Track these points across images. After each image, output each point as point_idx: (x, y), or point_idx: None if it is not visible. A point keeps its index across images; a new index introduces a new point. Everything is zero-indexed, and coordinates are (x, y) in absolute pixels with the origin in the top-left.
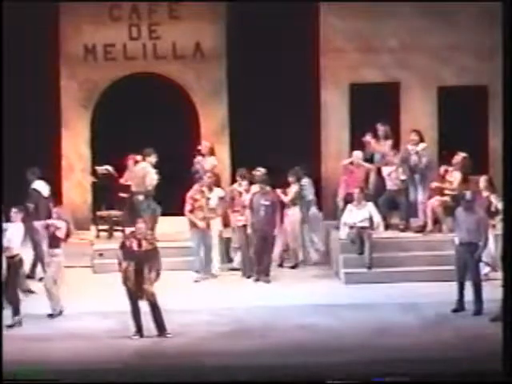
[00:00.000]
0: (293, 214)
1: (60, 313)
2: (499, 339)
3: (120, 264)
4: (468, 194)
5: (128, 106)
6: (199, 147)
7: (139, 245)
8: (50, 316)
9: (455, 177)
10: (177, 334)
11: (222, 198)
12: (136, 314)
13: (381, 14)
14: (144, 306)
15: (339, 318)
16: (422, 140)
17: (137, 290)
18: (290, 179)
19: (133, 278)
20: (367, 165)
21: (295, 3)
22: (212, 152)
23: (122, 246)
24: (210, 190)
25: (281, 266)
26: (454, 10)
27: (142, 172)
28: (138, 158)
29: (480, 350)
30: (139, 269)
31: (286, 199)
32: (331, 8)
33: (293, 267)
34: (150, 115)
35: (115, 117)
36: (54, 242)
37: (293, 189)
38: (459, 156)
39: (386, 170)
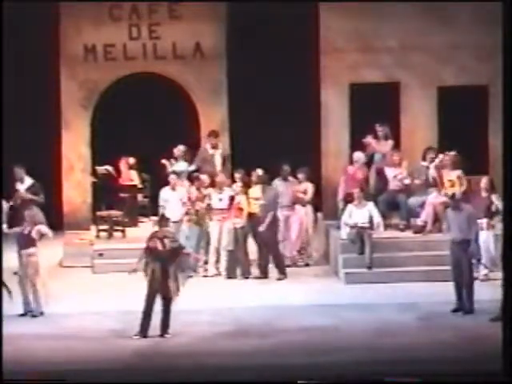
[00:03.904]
0: (307, 213)
1: (41, 313)
2: (499, 339)
3: (146, 267)
4: (457, 193)
5: (128, 106)
6: (175, 150)
7: (163, 244)
8: (30, 315)
9: (457, 174)
10: (177, 333)
11: (233, 198)
12: (148, 314)
13: (381, 14)
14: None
15: (339, 318)
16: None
17: (163, 288)
18: (300, 176)
19: (160, 278)
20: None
21: (295, 3)
22: (183, 156)
23: (147, 248)
24: (221, 190)
25: (294, 265)
26: (453, 9)
27: None
28: (131, 160)
29: (480, 350)
30: (165, 268)
31: (306, 197)
32: (331, 8)
33: (306, 264)
34: (150, 115)
35: (115, 117)
36: (29, 241)
37: (309, 187)
38: (450, 154)
39: (390, 172)
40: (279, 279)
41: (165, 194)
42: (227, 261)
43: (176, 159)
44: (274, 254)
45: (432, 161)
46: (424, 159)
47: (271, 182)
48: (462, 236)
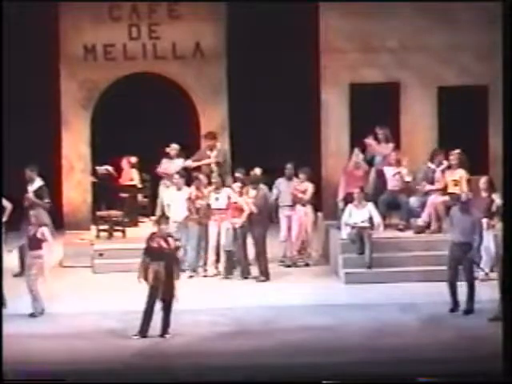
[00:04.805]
0: (307, 213)
1: (42, 312)
2: (499, 339)
3: (146, 268)
4: (463, 195)
5: (128, 106)
6: (167, 149)
7: (168, 243)
8: (32, 315)
9: (461, 174)
10: (177, 333)
11: (230, 198)
12: (149, 314)
13: (381, 14)
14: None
15: (339, 318)
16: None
17: (167, 288)
18: (301, 176)
19: (164, 278)
20: (364, 165)
21: (295, 3)
22: (180, 154)
23: (149, 248)
24: (218, 190)
25: (294, 265)
26: (454, 9)
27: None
28: (133, 159)
29: (480, 350)
30: (170, 267)
31: (305, 197)
32: (331, 8)
33: (306, 264)
34: (150, 115)
35: (115, 117)
36: (36, 243)
37: (309, 187)
38: (455, 153)
39: (389, 171)
40: (260, 280)
41: (170, 194)
42: (224, 261)
43: (171, 158)
44: (258, 251)
45: (440, 163)
46: (431, 161)
47: (268, 181)
48: (464, 239)
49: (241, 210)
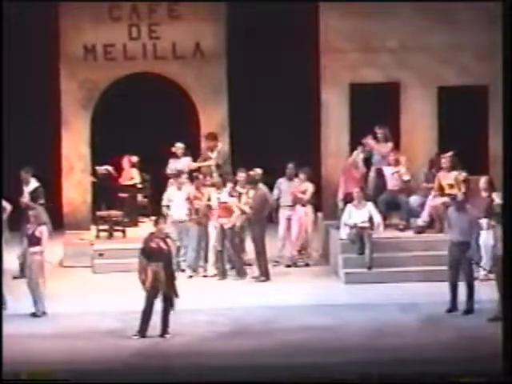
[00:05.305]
0: (307, 213)
1: (43, 313)
2: (499, 339)
3: (145, 269)
4: (459, 195)
5: (128, 106)
6: (172, 149)
7: (166, 243)
8: (34, 315)
9: (455, 176)
10: (177, 334)
11: (232, 197)
12: (148, 315)
13: (381, 14)
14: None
15: (339, 318)
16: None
17: (168, 288)
18: (301, 176)
19: (164, 278)
20: (362, 166)
21: (295, 3)
22: (186, 153)
23: (147, 249)
24: (219, 189)
25: (294, 265)
26: (454, 9)
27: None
28: (134, 158)
29: (480, 350)
30: (169, 267)
31: (304, 197)
32: (331, 8)
33: (306, 265)
34: (150, 115)
35: (115, 117)
36: (35, 241)
37: (309, 187)
38: (447, 156)
39: (388, 170)
40: (260, 280)
41: (171, 193)
42: (217, 262)
43: (178, 157)
44: (258, 251)
45: (439, 169)
46: (431, 168)
47: (269, 181)
48: (462, 238)
49: (230, 211)
